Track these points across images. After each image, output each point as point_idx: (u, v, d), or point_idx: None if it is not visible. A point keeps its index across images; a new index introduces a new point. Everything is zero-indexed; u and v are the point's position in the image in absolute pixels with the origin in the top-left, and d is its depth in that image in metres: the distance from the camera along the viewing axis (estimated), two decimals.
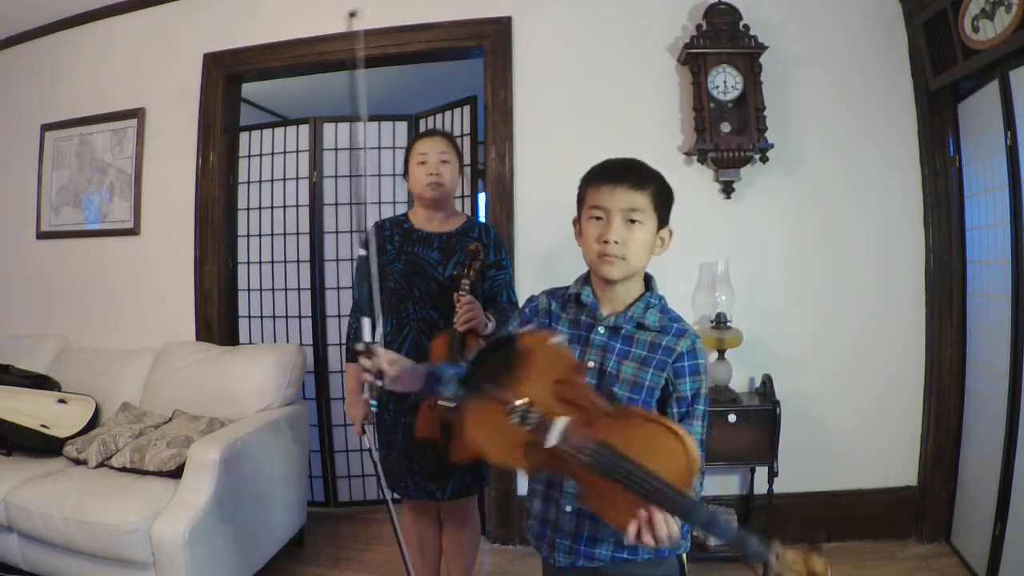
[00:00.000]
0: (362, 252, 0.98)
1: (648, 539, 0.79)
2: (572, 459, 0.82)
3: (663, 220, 1.10)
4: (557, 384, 0.85)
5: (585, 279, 1.15)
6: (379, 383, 1.00)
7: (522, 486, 2.50)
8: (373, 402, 1.04)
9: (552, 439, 0.82)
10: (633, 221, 1.05)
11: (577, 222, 1.15)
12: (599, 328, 1.09)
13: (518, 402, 0.85)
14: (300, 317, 2.93)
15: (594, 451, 0.80)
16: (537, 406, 0.85)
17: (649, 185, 1.07)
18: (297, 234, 2.92)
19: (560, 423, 0.83)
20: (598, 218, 1.06)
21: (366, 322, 1.01)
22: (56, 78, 3.08)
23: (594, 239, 1.06)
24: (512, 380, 0.86)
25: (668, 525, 0.78)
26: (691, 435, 0.84)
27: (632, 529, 0.79)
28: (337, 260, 2.92)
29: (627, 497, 0.79)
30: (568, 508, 1.09)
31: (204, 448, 1.94)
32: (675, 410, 1.05)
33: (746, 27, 2.30)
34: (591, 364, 1.07)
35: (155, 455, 2.05)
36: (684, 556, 1.10)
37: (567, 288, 1.17)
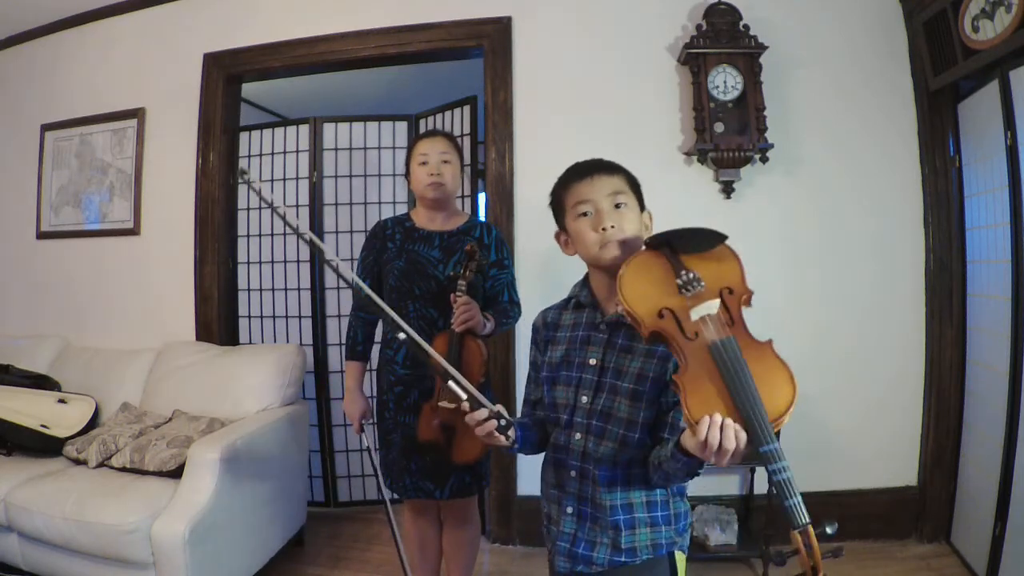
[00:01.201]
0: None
1: (714, 438, 0.80)
2: (700, 334, 0.87)
3: (641, 204, 1.12)
4: (726, 290, 0.92)
5: (583, 282, 1.17)
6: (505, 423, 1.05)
7: (522, 487, 2.50)
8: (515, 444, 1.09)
9: (699, 312, 0.89)
10: (618, 205, 1.07)
11: (561, 234, 1.15)
12: (601, 326, 1.10)
13: (693, 272, 0.93)
14: (300, 317, 2.93)
15: (727, 341, 0.85)
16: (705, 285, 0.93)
17: (620, 170, 1.11)
18: (297, 234, 2.91)
19: (714, 303, 0.90)
20: (585, 213, 1.08)
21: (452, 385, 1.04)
22: (56, 78, 3.08)
23: (590, 229, 1.07)
24: (695, 259, 0.95)
25: (738, 436, 0.80)
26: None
27: (703, 425, 0.81)
28: (337, 260, 2.91)
29: (716, 392, 0.83)
30: (569, 509, 1.09)
31: (204, 448, 1.94)
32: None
33: (746, 27, 2.30)
34: (592, 361, 1.08)
35: (155, 455, 2.05)
36: (677, 554, 1.09)
37: (567, 298, 1.20)
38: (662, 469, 0.98)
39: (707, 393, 0.83)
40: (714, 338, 0.86)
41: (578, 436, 1.08)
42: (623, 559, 1.05)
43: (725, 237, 0.96)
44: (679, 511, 1.10)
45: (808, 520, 0.77)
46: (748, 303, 0.92)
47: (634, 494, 1.06)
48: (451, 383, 1.02)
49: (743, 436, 0.80)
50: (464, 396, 1.02)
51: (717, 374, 0.83)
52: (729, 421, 0.80)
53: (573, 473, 1.09)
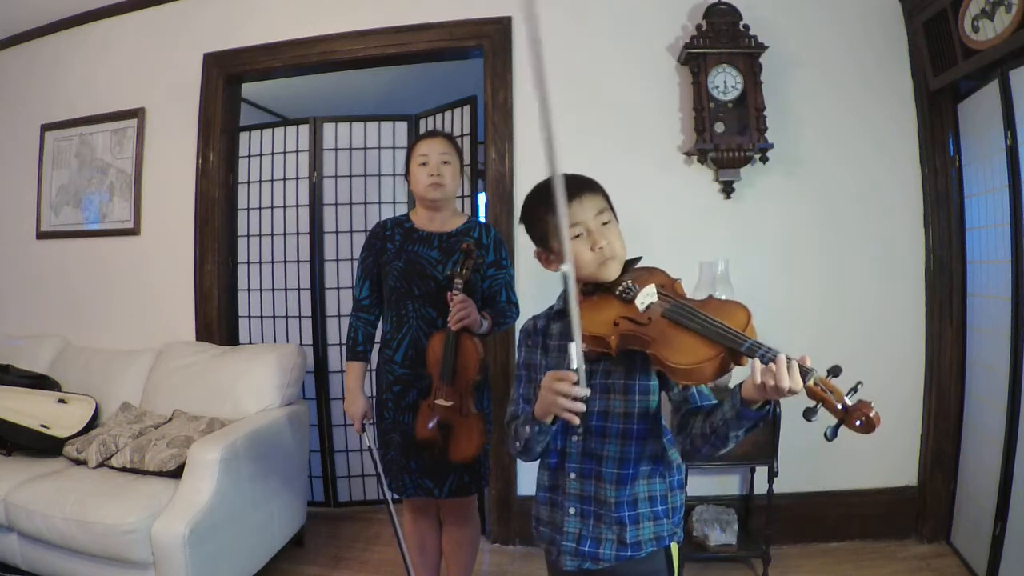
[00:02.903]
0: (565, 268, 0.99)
1: (757, 374, 0.86)
2: (653, 315, 1.00)
3: (615, 214, 1.15)
4: (658, 285, 1.06)
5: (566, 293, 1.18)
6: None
7: (522, 487, 2.50)
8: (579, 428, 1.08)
9: (643, 301, 1.03)
10: (605, 223, 1.10)
11: (543, 252, 1.17)
12: None
13: (627, 281, 1.08)
14: (300, 317, 2.93)
15: (675, 303, 0.99)
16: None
17: (598, 186, 1.14)
18: (297, 234, 2.92)
19: (651, 289, 1.05)
20: (578, 235, 1.08)
21: (573, 347, 0.97)
22: (56, 78, 3.08)
23: (587, 250, 1.08)
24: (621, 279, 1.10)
25: (783, 361, 0.86)
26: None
27: (758, 369, 0.87)
28: (337, 260, 2.92)
29: (687, 339, 0.93)
30: (571, 510, 1.10)
31: (204, 448, 1.94)
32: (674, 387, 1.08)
33: (746, 27, 2.30)
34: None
35: (155, 455, 2.05)
36: (672, 545, 1.11)
37: (550, 307, 1.22)
38: (716, 435, 0.97)
39: (680, 343, 0.93)
40: (665, 307, 0.99)
41: (575, 438, 1.10)
42: (629, 553, 1.07)
43: (639, 259, 1.15)
44: (676, 504, 1.13)
45: (814, 368, 0.85)
46: (680, 288, 1.07)
47: (639, 490, 1.08)
48: (572, 346, 0.97)
49: (782, 357, 0.85)
50: (575, 364, 0.97)
51: (680, 328, 0.95)
52: (779, 355, 0.85)
53: (572, 475, 1.10)
